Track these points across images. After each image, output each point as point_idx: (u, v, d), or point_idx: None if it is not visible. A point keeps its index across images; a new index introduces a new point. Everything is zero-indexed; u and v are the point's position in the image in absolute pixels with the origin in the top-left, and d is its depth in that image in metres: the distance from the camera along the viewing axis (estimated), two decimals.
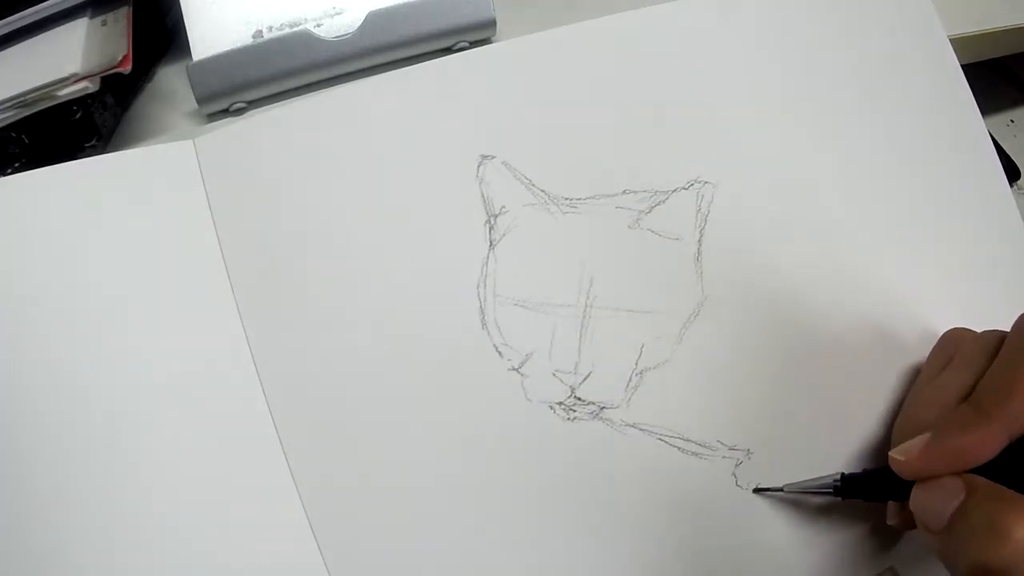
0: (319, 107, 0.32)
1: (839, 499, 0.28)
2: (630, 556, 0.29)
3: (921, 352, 0.31)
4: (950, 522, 0.23)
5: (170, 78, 0.40)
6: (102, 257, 0.29)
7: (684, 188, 0.32)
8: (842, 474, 0.28)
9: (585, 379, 0.30)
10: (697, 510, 0.29)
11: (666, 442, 0.30)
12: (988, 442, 0.24)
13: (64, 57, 0.34)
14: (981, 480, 0.23)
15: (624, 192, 0.32)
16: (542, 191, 0.31)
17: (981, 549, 0.22)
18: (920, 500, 0.24)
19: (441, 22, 0.36)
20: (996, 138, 0.35)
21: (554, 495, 0.29)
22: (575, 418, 0.30)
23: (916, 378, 0.30)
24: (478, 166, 0.31)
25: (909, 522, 0.27)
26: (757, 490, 0.30)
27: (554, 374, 0.30)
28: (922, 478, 0.25)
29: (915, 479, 0.25)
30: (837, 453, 0.30)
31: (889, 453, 0.26)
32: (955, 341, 0.29)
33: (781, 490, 0.29)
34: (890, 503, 0.28)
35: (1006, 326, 0.26)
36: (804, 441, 0.30)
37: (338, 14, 0.36)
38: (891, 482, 0.26)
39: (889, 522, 0.28)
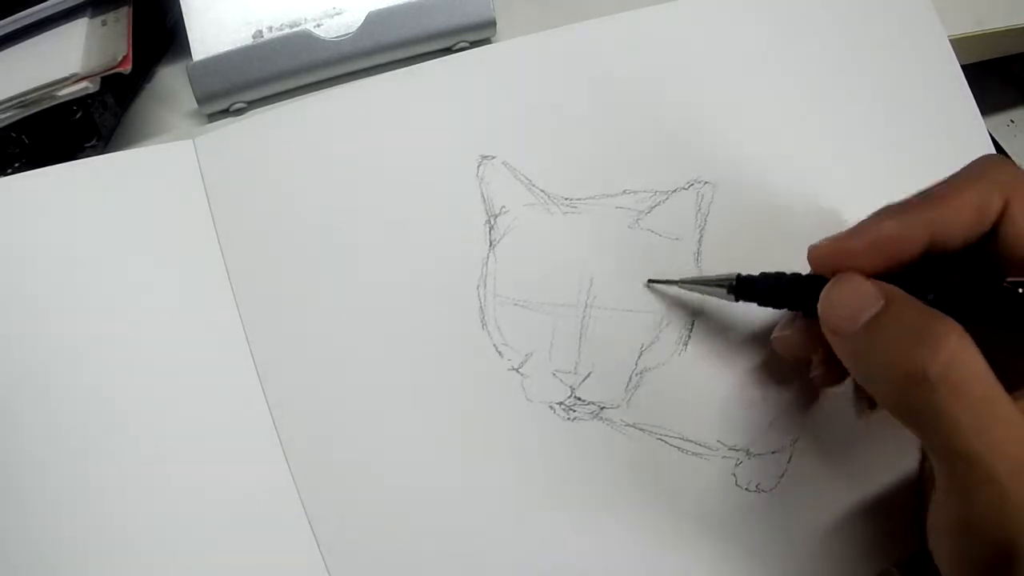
0: (319, 107, 0.32)
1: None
2: (630, 556, 0.29)
3: None
4: (869, 326, 0.22)
5: (170, 78, 0.40)
6: (102, 257, 0.29)
7: (684, 188, 0.32)
8: (738, 275, 0.27)
9: (585, 379, 0.30)
10: (697, 510, 0.29)
11: (666, 442, 0.30)
12: (909, 233, 0.23)
13: (64, 57, 0.34)
14: (900, 291, 0.23)
15: (624, 192, 0.32)
16: (542, 191, 0.31)
17: (911, 353, 0.21)
18: (833, 300, 0.24)
19: (441, 22, 0.36)
20: (996, 138, 0.35)
21: (554, 495, 0.29)
22: (575, 418, 0.30)
23: None
24: (478, 166, 0.31)
25: (794, 343, 0.27)
26: (651, 281, 0.30)
27: (554, 374, 0.30)
28: (839, 269, 0.24)
29: (833, 271, 0.24)
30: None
31: (808, 247, 0.25)
32: None
33: (675, 282, 0.29)
34: (785, 318, 0.28)
35: None
36: None
37: (338, 14, 0.36)
38: (792, 289, 0.26)
39: (775, 334, 0.28)
